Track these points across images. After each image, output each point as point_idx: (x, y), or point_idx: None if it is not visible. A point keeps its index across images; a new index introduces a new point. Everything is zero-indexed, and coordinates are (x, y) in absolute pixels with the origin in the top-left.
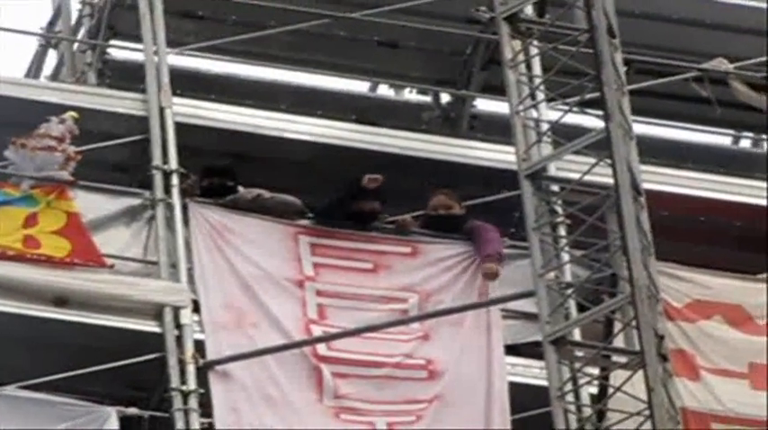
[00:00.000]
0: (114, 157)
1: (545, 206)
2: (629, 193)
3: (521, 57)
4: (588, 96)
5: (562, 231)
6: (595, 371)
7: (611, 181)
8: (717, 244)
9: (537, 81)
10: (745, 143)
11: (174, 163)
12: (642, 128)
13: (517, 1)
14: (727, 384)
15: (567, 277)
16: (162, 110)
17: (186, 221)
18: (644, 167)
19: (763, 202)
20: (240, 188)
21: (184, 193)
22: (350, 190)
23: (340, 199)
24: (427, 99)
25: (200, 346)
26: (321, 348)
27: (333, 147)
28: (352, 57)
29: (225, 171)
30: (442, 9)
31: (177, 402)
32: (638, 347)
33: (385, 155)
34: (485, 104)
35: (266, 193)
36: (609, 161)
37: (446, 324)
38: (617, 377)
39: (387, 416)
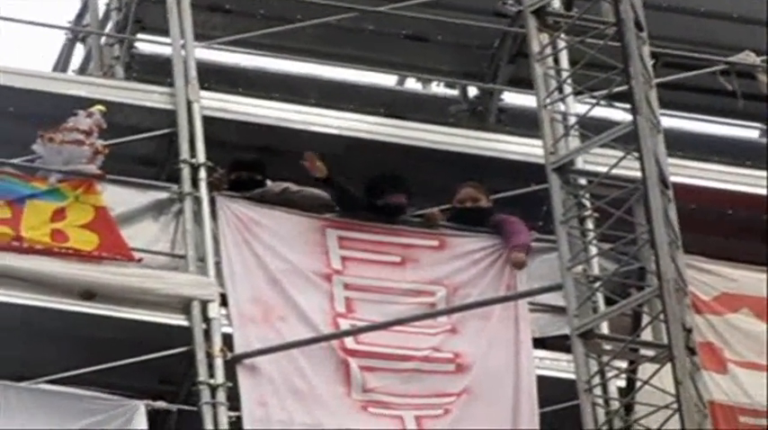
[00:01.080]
0: (142, 151)
1: (572, 199)
2: (657, 187)
3: (548, 50)
4: (616, 90)
5: (590, 224)
6: (623, 364)
7: (638, 174)
8: (744, 237)
9: (564, 74)
10: None
11: (201, 156)
12: (669, 121)
13: None
14: (755, 377)
15: (595, 270)
16: (189, 103)
17: (214, 215)
18: (671, 160)
19: None
20: (268, 182)
21: (212, 187)
22: (376, 183)
23: (367, 192)
24: (455, 93)
25: (227, 340)
26: (349, 342)
27: (361, 141)
28: (379, 50)
29: (253, 164)
30: (470, 3)
31: (205, 396)
32: (665, 340)
33: (413, 148)
34: (512, 98)
35: (294, 187)
36: (636, 154)
37: (474, 317)
38: (645, 370)
39: (415, 409)
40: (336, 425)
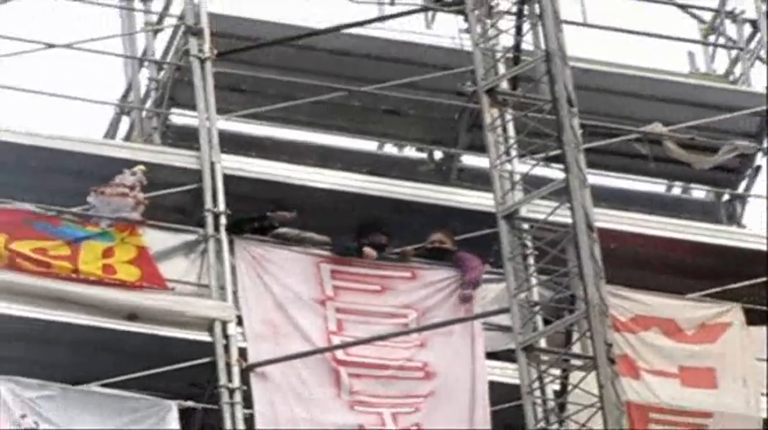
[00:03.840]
0: (174, 202)
1: (517, 241)
2: (585, 231)
3: (498, 122)
4: (552, 153)
5: (531, 260)
6: (557, 372)
7: (569, 221)
8: (655, 271)
9: (511, 141)
10: (677, 191)
11: (222, 206)
12: (595, 178)
13: (495, 77)
14: (662, 382)
15: (535, 297)
16: (212, 164)
17: (232, 253)
18: (596, 210)
19: (689, 237)
20: (281, 229)
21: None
22: (362, 228)
23: (356, 235)
24: (423, 155)
25: (243, 352)
26: (339, 354)
27: (349, 194)
28: (363, 122)
29: (267, 215)
30: (435, 83)
31: (225, 397)
32: (591, 353)
33: (390, 200)
34: (469, 160)
35: (295, 231)
36: (568, 205)
37: (438, 334)
38: (575, 377)
39: (392, 407)
40: (330, 420)
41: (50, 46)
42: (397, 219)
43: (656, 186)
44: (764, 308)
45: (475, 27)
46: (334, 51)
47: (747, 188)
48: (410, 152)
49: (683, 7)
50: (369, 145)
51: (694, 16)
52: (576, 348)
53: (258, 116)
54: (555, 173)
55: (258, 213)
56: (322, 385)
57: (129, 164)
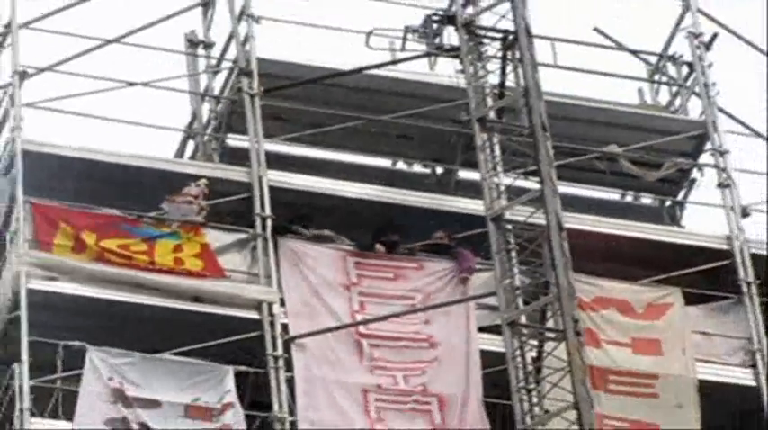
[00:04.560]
0: (230, 208)
1: (503, 238)
2: (556, 230)
3: (487, 144)
4: (530, 169)
5: (513, 254)
6: (535, 342)
7: (544, 222)
8: (612, 262)
9: (497, 159)
10: (629, 198)
11: (268, 211)
12: (564, 188)
13: (484, 109)
14: (618, 350)
15: (517, 283)
16: (260, 178)
17: (276, 248)
18: (565, 213)
19: (639, 235)
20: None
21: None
22: (380, 228)
23: (375, 234)
24: (427, 171)
25: (284, 327)
26: (362, 329)
27: (369, 202)
28: (379, 144)
29: (304, 218)
30: (437, 113)
31: (271, 362)
32: (561, 327)
33: (401, 206)
34: (465, 174)
35: (329, 232)
36: (543, 210)
37: (440, 313)
38: (548, 346)
39: (403, 371)
40: (354, 381)
41: (131, 84)
42: (406, 221)
43: (612, 194)
44: (699, 291)
45: (468, 69)
46: (356, 88)
47: (685, 196)
48: (417, 168)
49: (634, 52)
50: (384, 162)
51: (643, 59)
52: (550, 323)
53: (296, 140)
54: (532, 184)
55: (296, 219)
56: (348, 353)
57: (194, 178)
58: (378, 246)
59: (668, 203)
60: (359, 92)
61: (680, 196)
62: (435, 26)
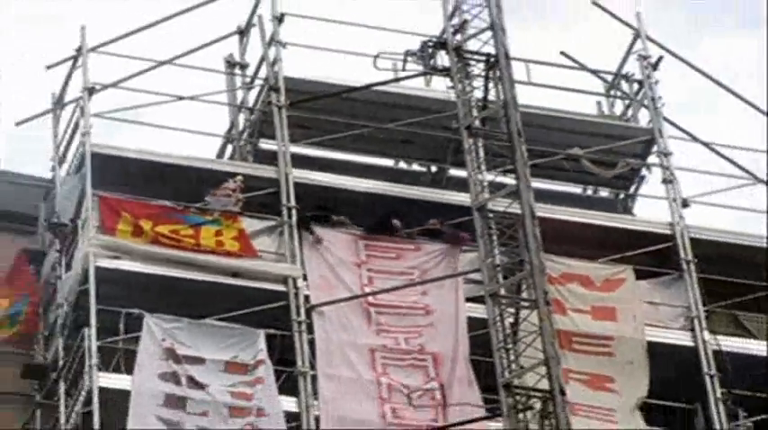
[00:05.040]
0: (261, 200)
1: (486, 225)
2: (529, 218)
3: (473, 147)
4: (508, 167)
5: (495, 238)
6: (512, 310)
7: (520, 212)
8: (575, 244)
9: (481, 159)
10: (589, 191)
11: (293, 203)
12: (536, 184)
13: (471, 118)
14: (580, 317)
15: (497, 261)
16: (287, 175)
17: (300, 233)
18: (537, 204)
19: (598, 222)
20: (333, 217)
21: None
22: (385, 215)
23: (381, 221)
24: (424, 169)
25: (307, 298)
26: (370, 299)
27: (377, 195)
28: (385, 147)
29: (323, 208)
30: (432, 122)
31: (295, 327)
32: (534, 298)
33: (403, 198)
34: (455, 172)
35: (345, 219)
36: (519, 201)
37: (434, 286)
38: (523, 314)
39: (404, 334)
40: (363, 342)
41: (180, 98)
42: (407, 210)
43: (575, 189)
44: (647, 268)
45: (457, 85)
46: (365, 101)
47: (636, 190)
48: (415, 167)
49: (593, 72)
50: (388, 162)
51: (601, 78)
52: (524, 295)
53: (316, 144)
54: (509, 180)
55: (316, 209)
56: (358, 319)
57: (232, 175)
58: (395, 221)
59: (621, 196)
60: (368, 104)
61: (631, 190)
62: (430, 50)
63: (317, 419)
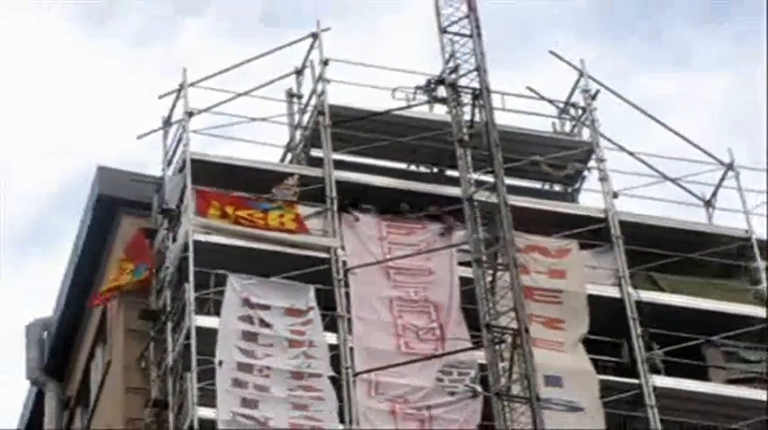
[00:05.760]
0: (312, 193)
1: (473, 210)
2: (504, 206)
3: (464, 154)
4: (488, 169)
5: (479, 220)
6: (491, 271)
7: (497, 201)
8: (537, 226)
9: (469, 163)
10: (546, 187)
11: (334, 193)
12: (508, 181)
13: (461, 134)
14: (540, 276)
15: (481, 237)
16: (331, 175)
17: (340, 216)
18: (509, 196)
19: (553, 209)
20: (362, 205)
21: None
22: (399, 204)
23: (396, 207)
24: (428, 170)
25: (344, 263)
26: (390, 263)
27: (393, 189)
28: (399, 154)
29: (356, 198)
30: (434, 137)
31: (335, 283)
32: (507, 263)
33: (412, 191)
34: (450, 172)
35: (371, 206)
36: (496, 194)
37: (435, 255)
38: (500, 274)
39: (413, 288)
40: (386, 294)
41: (253, 119)
42: (415, 200)
43: (537, 184)
44: (588, 241)
45: (452, 110)
46: (386, 122)
47: (580, 185)
48: (422, 169)
49: (550, 101)
50: (402, 165)
51: (555, 105)
52: (500, 260)
53: (352, 152)
54: (489, 179)
55: (351, 199)
56: (381, 278)
57: (291, 175)
58: (402, 205)
59: (570, 190)
60: (388, 124)
61: (576, 185)
62: (433, 85)
63: (352, 349)
